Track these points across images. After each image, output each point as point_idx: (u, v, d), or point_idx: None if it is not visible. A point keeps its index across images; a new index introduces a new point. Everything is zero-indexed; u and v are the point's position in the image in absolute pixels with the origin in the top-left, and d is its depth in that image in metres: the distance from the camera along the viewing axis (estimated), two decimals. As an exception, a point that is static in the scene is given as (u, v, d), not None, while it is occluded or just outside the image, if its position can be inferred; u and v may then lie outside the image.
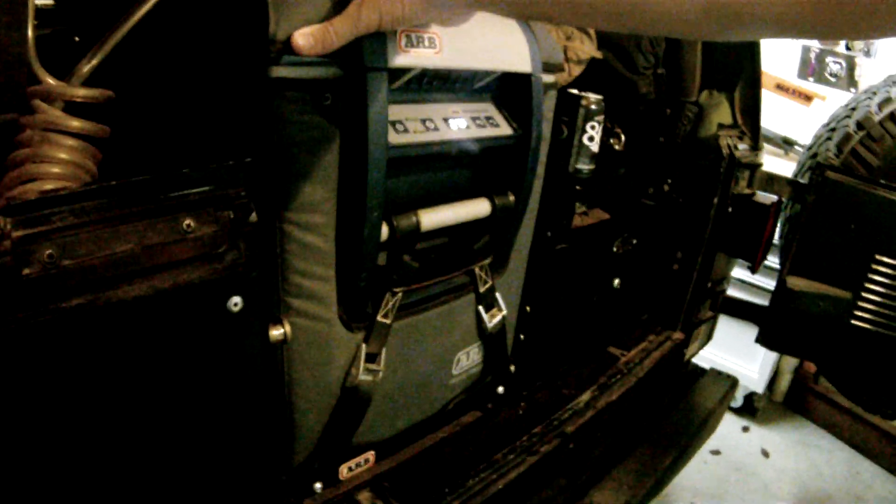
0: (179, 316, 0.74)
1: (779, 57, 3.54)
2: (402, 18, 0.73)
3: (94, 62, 0.84)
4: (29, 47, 0.78)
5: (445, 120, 0.98)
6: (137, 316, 0.70)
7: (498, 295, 1.18)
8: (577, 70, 1.49)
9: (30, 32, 0.78)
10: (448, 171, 1.05)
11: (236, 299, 0.77)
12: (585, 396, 1.48)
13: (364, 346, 0.99)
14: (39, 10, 1.10)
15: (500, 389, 1.33)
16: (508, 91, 1.07)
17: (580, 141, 1.29)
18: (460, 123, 0.99)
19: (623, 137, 1.57)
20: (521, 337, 1.38)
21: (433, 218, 0.99)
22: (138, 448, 0.75)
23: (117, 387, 0.71)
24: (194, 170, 0.73)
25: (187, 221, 0.72)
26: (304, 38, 0.76)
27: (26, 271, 0.61)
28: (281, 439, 0.99)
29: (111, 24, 0.84)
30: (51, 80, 0.81)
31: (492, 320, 1.18)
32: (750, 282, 2.83)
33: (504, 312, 1.19)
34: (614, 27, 0.66)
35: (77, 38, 1.11)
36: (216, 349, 0.79)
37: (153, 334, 0.72)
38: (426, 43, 0.87)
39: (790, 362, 3.17)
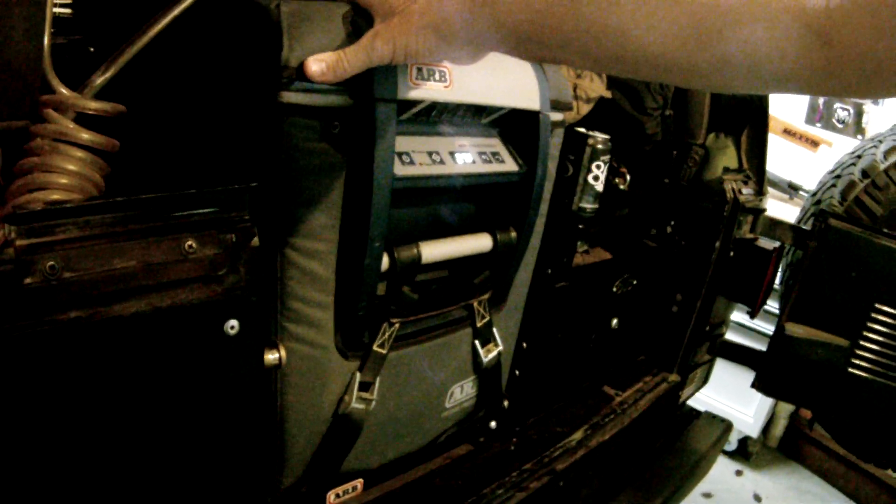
0: (176, 336, 0.74)
1: (787, 102, 3.57)
2: (415, 54, 0.74)
3: (108, 75, 0.84)
4: (44, 56, 0.79)
5: (452, 153, 0.98)
6: (134, 333, 0.69)
7: (495, 330, 1.18)
8: (585, 108, 1.50)
9: (46, 41, 0.78)
10: (452, 204, 1.06)
11: (233, 322, 0.77)
12: (578, 435, 1.48)
13: (358, 374, 0.99)
14: (57, 19, 1.11)
15: (493, 424, 1.32)
16: (516, 127, 1.08)
17: (585, 180, 1.29)
18: (466, 158, 1.00)
19: (628, 177, 1.57)
20: (517, 373, 1.37)
21: (434, 251, 0.99)
22: (127, 461, 0.75)
23: (109, 402, 0.70)
24: (199, 191, 0.73)
25: (189, 242, 0.72)
26: (317, 64, 0.77)
27: (27, 281, 0.61)
28: (270, 462, 0.98)
29: (127, 38, 0.85)
30: (64, 91, 0.81)
31: (488, 355, 1.17)
32: (748, 326, 2.83)
33: (500, 348, 1.19)
34: (627, 74, 0.67)
35: (92, 49, 1.12)
36: (211, 371, 0.79)
37: (148, 352, 0.72)
38: (437, 76, 0.87)
39: (786, 408, 3.16)
